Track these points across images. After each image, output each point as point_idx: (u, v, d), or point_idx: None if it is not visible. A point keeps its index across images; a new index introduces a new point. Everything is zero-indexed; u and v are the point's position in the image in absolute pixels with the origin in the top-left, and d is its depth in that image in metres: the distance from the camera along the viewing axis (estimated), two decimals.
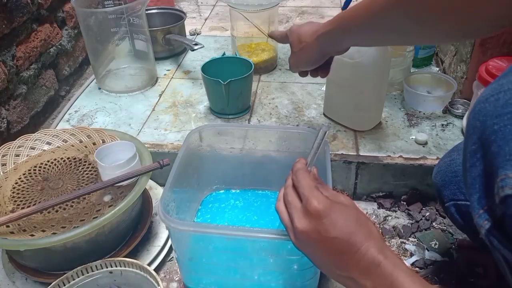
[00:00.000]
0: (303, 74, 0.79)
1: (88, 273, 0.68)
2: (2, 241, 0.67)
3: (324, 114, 1.02)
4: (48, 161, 0.82)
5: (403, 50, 1.05)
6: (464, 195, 0.63)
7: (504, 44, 0.94)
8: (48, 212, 0.71)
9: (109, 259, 0.68)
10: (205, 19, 1.59)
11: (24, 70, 1.07)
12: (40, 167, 0.80)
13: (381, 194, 0.93)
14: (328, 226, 0.47)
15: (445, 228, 0.86)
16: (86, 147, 0.85)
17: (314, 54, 0.70)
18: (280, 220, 0.53)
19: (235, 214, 0.84)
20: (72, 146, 0.85)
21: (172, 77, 1.22)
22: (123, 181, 0.73)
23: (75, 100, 1.14)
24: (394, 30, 0.56)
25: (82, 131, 0.87)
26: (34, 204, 0.72)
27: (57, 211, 0.72)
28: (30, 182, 0.78)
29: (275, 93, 1.12)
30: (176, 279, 0.78)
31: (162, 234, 0.83)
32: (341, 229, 0.47)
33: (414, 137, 0.94)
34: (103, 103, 1.12)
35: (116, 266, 0.68)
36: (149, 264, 0.77)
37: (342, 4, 0.90)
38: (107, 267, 0.68)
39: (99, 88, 1.18)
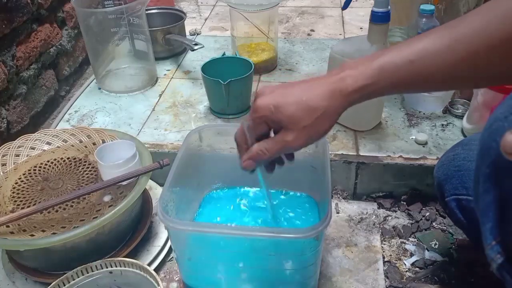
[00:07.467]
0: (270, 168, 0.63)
1: (88, 273, 0.68)
2: (2, 241, 0.67)
3: None
4: (48, 161, 0.82)
5: None
6: (466, 189, 0.62)
7: None
8: (48, 212, 0.71)
9: (109, 259, 0.68)
10: (205, 19, 1.59)
11: (24, 70, 1.07)
12: (40, 167, 0.81)
13: (381, 194, 0.93)
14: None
15: (445, 228, 0.86)
16: (86, 147, 0.85)
17: (335, 118, 0.52)
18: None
19: (235, 214, 0.84)
20: (72, 146, 0.85)
21: (172, 77, 1.22)
22: (123, 181, 0.73)
23: (75, 100, 1.14)
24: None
25: (82, 131, 0.87)
26: (34, 204, 0.72)
27: (57, 211, 0.72)
28: (30, 182, 0.78)
29: None
30: (176, 279, 0.78)
31: (162, 234, 0.83)
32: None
33: (414, 137, 0.94)
34: (103, 103, 1.12)
35: (116, 266, 0.68)
36: (149, 264, 0.77)
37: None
38: (107, 267, 0.68)
39: (99, 88, 1.18)
